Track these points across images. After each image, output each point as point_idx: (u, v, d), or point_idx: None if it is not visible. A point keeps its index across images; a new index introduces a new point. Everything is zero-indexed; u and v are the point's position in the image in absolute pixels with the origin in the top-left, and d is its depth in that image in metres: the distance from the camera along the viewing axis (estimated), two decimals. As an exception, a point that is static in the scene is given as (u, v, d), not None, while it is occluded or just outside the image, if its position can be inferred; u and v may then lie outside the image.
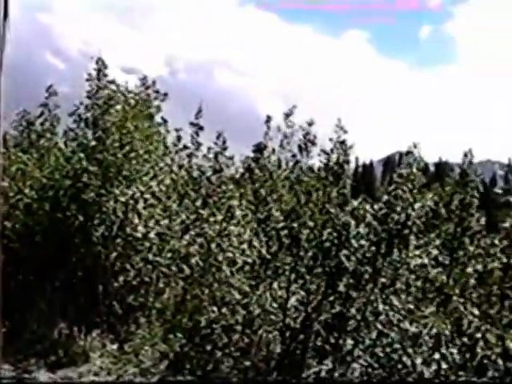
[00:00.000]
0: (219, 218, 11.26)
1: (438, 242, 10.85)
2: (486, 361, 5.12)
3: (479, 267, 7.38)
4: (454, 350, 7.13)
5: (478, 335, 5.27)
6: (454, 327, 8.09)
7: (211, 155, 15.51)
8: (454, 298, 8.80)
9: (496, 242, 5.26)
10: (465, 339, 6.99)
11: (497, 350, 4.70)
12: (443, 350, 7.54)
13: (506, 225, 4.88)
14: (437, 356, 7.65)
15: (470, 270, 8.46)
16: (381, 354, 9.58)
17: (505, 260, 5.06)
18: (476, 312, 7.48)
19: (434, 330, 8.37)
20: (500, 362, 4.63)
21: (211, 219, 11.31)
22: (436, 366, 7.53)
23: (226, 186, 12.92)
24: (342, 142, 11.33)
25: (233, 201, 11.81)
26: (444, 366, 6.90)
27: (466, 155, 13.58)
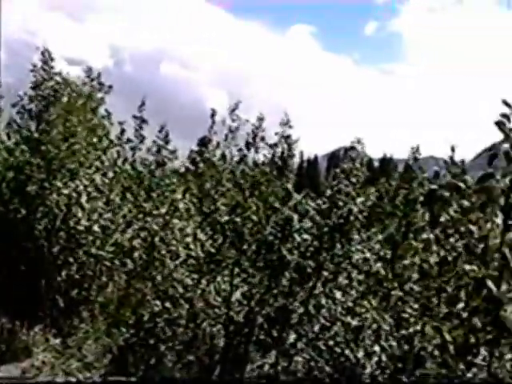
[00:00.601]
0: (162, 211, 11.21)
1: (380, 236, 10.95)
2: (422, 352, 5.20)
3: (417, 260, 7.46)
4: (394, 343, 7.23)
5: (417, 327, 5.36)
6: (394, 320, 8.19)
7: (155, 148, 15.44)
8: (393, 292, 8.90)
9: (432, 236, 5.36)
10: (404, 332, 7.08)
11: (434, 342, 4.80)
12: (383, 343, 7.63)
13: (442, 219, 4.96)
14: (377, 348, 7.74)
15: (406, 262, 8.56)
16: (323, 348, 9.62)
17: (442, 254, 5.13)
18: (415, 305, 7.57)
19: (375, 324, 8.46)
20: (437, 353, 4.72)
21: (154, 212, 11.25)
22: (377, 358, 7.62)
23: (168, 179, 12.88)
24: (287, 137, 11.37)
25: (176, 194, 11.76)
26: (384, 358, 6.99)
27: (412, 151, 13.72)
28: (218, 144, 14.88)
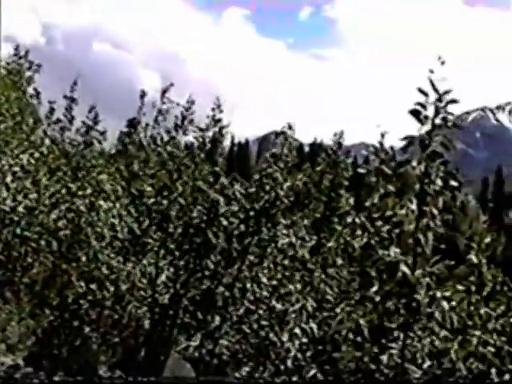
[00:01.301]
0: (88, 192, 11.09)
1: (306, 221, 11.04)
2: (337, 336, 5.30)
3: (341, 244, 7.62)
4: (314, 325, 7.33)
5: (337, 310, 5.46)
6: (316, 303, 8.30)
7: (84, 129, 15.25)
8: (316, 274, 9.01)
9: (358, 220, 5.46)
10: (325, 314, 7.18)
11: (348, 325, 4.89)
12: (303, 325, 7.73)
13: (368, 204, 5.05)
14: (297, 331, 7.83)
15: (330, 244, 8.70)
16: (248, 331, 9.68)
17: (365, 239, 5.21)
18: (336, 289, 7.70)
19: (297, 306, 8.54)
20: (351, 336, 4.81)
21: (79, 193, 11.13)
22: (299, 340, 7.70)
23: (95, 160, 12.76)
24: (218, 121, 11.37)
25: (102, 175, 11.66)
26: (304, 340, 7.09)
27: (337, 136, 13.81)
28: (147, 125, 14.79)
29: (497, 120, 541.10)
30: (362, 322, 4.73)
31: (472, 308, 5.34)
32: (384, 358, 4.78)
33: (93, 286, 10.25)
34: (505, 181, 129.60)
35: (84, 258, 10.47)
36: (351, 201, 12.39)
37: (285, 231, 10.09)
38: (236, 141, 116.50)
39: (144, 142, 14.33)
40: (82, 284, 10.23)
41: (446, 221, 4.73)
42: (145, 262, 10.46)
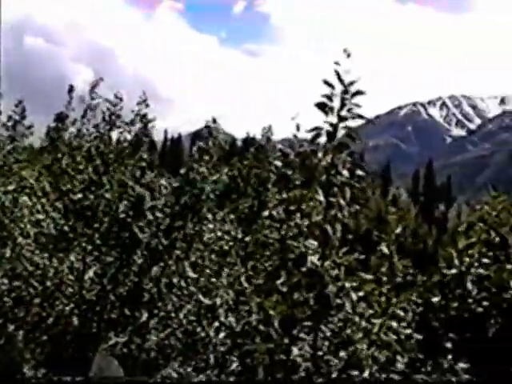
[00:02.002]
0: (10, 187, 10.92)
1: (232, 216, 11.08)
2: (247, 327, 5.35)
3: (261, 237, 7.67)
4: (232, 319, 7.37)
5: (253, 303, 5.50)
6: (236, 296, 8.35)
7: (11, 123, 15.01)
8: (236, 267, 9.07)
9: (275, 213, 5.51)
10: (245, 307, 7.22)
11: (258, 317, 4.94)
12: (222, 319, 7.76)
13: (285, 196, 5.08)
14: (217, 324, 7.87)
15: (248, 238, 8.78)
16: (175, 326, 9.67)
17: (282, 232, 5.26)
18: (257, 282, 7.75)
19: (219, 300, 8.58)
20: (261, 327, 4.85)
21: (1, 189, 10.95)
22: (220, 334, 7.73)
23: (20, 155, 12.57)
24: (144, 116, 11.33)
25: (26, 171, 11.50)
26: (223, 334, 7.11)
27: (264, 131, 13.88)
28: (75, 121, 14.62)
29: (428, 114, 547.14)
30: (272, 313, 4.77)
31: (383, 298, 5.45)
32: (295, 349, 4.84)
33: (17, 283, 10.11)
34: (436, 174, 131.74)
35: (8, 255, 10.31)
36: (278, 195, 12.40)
37: (211, 225, 10.11)
38: (169, 135, 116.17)
39: (71, 138, 14.16)
40: (5, 281, 10.08)
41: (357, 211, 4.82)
42: (72, 257, 10.35)
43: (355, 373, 4.94)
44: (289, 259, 4.84)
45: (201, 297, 9.60)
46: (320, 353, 4.97)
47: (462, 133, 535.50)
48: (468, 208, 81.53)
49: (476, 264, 5.70)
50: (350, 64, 4.87)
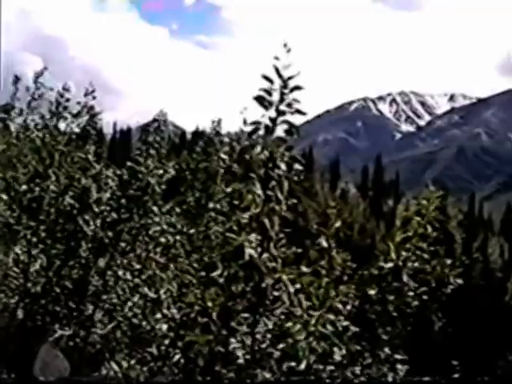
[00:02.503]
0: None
1: (178, 209, 11.07)
2: (185, 318, 5.42)
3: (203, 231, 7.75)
4: (175, 310, 7.44)
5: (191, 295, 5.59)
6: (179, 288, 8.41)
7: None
8: (180, 259, 9.11)
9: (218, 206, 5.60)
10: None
11: (196, 308, 5.02)
12: (164, 311, 7.83)
13: (229, 189, 5.16)
14: (159, 315, 7.93)
15: (192, 231, 8.84)
16: (121, 319, 9.67)
17: (227, 225, 5.33)
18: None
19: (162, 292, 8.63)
20: (200, 319, 4.92)
21: None
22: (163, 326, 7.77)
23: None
24: (91, 108, 11.29)
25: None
26: (165, 326, 7.17)
27: (213, 125, 13.88)
28: (22, 111, 14.48)
29: (378, 110, 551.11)
30: (209, 304, 4.83)
31: (322, 291, 5.54)
32: (233, 340, 4.91)
33: (-40, 277, 10.02)
34: (384, 170, 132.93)
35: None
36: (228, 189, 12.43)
37: (157, 219, 10.11)
38: (119, 128, 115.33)
39: (18, 129, 14.03)
40: None
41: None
42: (17, 250, 10.27)
43: (292, 364, 5.04)
44: (227, 252, 4.89)
45: (146, 289, 9.62)
46: (259, 344, 5.04)
47: (411, 129, 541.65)
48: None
49: (413, 258, 5.82)
50: (289, 59, 4.93)
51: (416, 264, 5.80)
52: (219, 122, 14.10)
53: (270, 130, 4.93)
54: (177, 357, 5.60)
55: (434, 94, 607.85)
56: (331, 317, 5.31)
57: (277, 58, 4.93)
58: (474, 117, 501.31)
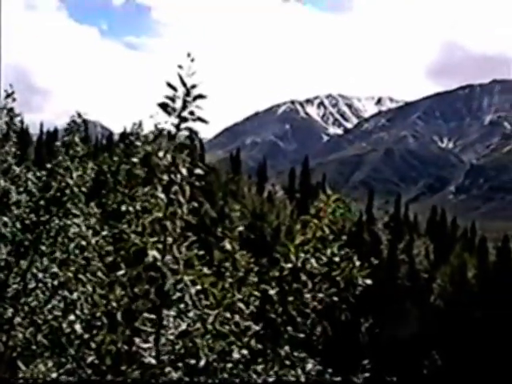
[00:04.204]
0: None
1: (96, 210, 11.03)
2: (91, 319, 5.52)
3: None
4: (87, 311, 7.49)
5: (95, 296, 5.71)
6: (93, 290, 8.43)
7: None
8: (93, 262, 9.13)
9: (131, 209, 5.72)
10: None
11: (103, 309, 5.14)
12: (78, 312, 7.85)
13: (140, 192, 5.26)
14: (72, 317, 7.94)
15: (105, 233, 8.87)
16: (41, 322, 9.62)
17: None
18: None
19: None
20: (105, 319, 5.02)
21: None
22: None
23: None
24: (10, 109, 11.21)
25: None
26: (78, 327, 7.20)
27: (135, 126, 13.83)
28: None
29: (306, 113, 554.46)
30: (114, 305, 4.91)
31: (225, 292, 5.68)
32: (138, 340, 5.00)
33: None
34: (312, 172, 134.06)
35: None
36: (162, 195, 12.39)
37: (76, 220, 10.08)
38: (46, 129, 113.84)
39: None
40: None
41: (194, 208, 5.03)
42: None
43: (192, 361, 5.15)
44: (131, 253, 4.99)
45: (66, 292, 9.58)
46: (162, 343, 5.14)
47: (339, 131, 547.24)
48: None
49: (312, 260, 5.98)
50: (194, 67, 5.04)
51: (315, 265, 5.95)
52: (140, 124, 14.07)
53: (172, 136, 5.05)
54: (91, 358, 5.64)
55: (362, 97, 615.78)
56: (230, 316, 5.45)
57: (180, 67, 5.04)
58: (401, 120, 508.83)
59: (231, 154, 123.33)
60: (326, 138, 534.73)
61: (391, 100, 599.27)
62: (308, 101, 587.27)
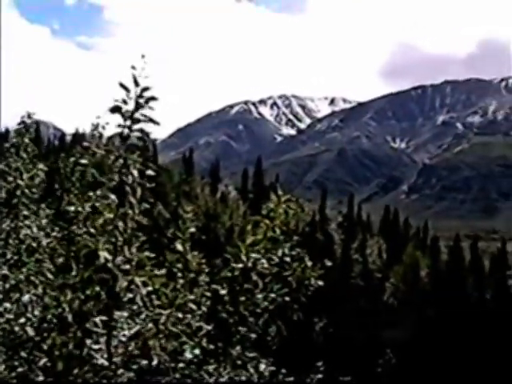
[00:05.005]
0: None
1: (48, 211, 10.95)
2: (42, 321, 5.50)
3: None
4: (38, 312, 7.45)
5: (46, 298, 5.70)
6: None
7: None
8: (45, 264, 9.06)
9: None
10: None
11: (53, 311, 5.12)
12: (28, 315, 7.80)
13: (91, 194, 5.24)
14: (22, 320, 7.90)
15: (54, 234, 8.83)
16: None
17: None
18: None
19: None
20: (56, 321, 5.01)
21: None
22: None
23: None
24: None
25: None
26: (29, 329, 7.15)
27: (93, 127, 13.79)
28: None
29: (259, 113, 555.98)
30: (65, 307, 4.89)
31: (176, 292, 5.71)
32: (89, 341, 4.99)
33: None
34: (265, 172, 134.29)
35: None
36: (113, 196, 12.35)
37: (27, 222, 9.99)
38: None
39: None
40: None
41: (146, 210, 5.03)
42: None
43: (144, 362, 5.16)
44: (82, 255, 4.97)
45: (18, 294, 9.49)
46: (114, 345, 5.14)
47: (292, 132, 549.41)
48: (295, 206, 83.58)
49: (263, 260, 6.02)
50: (148, 68, 5.05)
51: (265, 265, 6.00)
52: (97, 125, 14.02)
53: (124, 138, 5.05)
54: (43, 360, 5.59)
55: (315, 97, 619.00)
56: (182, 316, 5.47)
57: (133, 68, 5.05)
58: (354, 120, 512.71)
59: (184, 155, 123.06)
60: (279, 138, 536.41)
61: (344, 100, 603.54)
62: (261, 101, 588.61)
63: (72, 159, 13.18)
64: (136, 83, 5.06)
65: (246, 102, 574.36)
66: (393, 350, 74.46)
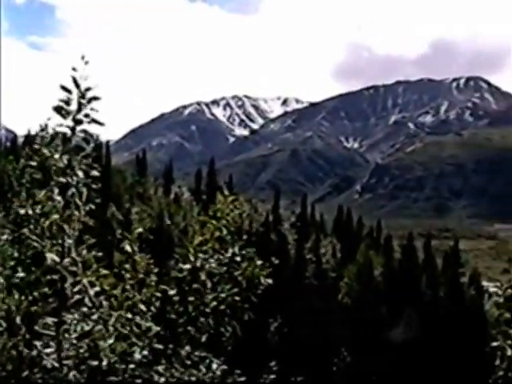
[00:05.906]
0: None
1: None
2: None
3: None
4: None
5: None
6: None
7: None
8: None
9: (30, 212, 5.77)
10: None
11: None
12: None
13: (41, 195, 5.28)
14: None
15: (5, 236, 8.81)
16: None
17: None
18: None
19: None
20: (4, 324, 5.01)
21: None
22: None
23: None
24: None
25: None
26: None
27: (41, 128, 13.69)
28: None
29: (212, 114, 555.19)
30: (13, 309, 4.89)
31: (126, 293, 5.72)
32: (38, 343, 4.99)
33: None
34: (218, 173, 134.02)
35: None
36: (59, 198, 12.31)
37: None
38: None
39: None
40: None
41: (90, 210, 5.05)
42: None
43: (94, 363, 5.16)
44: (29, 257, 4.98)
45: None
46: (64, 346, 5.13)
47: (245, 132, 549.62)
48: (249, 206, 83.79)
49: (211, 260, 6.07)
50: (88, 70, 5.06)
51: (213, 265, 6.04)
52: (46, 127, 13.92)
53: (67, 139, 5.06)
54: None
55: (268, 98, 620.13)
56: (131, 317, 5.48)
57: (74, 69, 5.06)
58: (307, 121, 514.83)
59: (137, 156, 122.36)
60: (232, 139, 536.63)
61: (297, 101, 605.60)
62: (214, 102, 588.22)
63: (22, 161, 13.12)
64: (76, 84, 5.06)
65: (198, 103, 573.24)
66: (347, 348, 74.96)
